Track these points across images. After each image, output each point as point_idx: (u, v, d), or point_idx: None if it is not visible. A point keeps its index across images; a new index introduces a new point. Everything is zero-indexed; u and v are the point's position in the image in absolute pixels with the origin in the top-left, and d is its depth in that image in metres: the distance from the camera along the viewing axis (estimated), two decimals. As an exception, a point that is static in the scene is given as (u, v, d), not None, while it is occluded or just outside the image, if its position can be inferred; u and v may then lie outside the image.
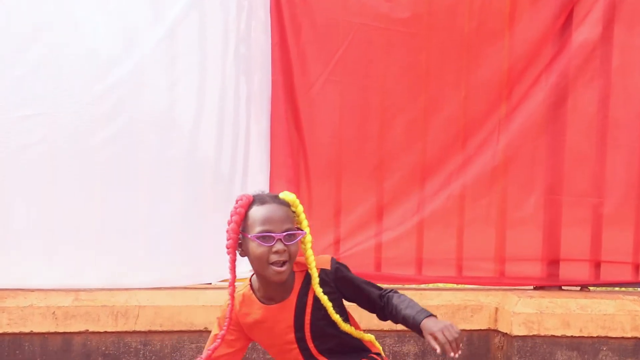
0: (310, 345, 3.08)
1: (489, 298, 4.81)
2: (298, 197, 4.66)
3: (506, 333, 4.69)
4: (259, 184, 4.74)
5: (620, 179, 5.09)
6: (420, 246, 4.95)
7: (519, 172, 5.04)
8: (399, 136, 4.94)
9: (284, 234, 2.89)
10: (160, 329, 4.41)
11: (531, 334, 4.65)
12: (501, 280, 5.01)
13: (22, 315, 4.28)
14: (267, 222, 2.89)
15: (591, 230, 5.05)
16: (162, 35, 4.61)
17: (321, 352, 3.10)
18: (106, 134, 4.51)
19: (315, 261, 3.02)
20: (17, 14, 4.46)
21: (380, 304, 3.09)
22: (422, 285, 5.00)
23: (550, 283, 5.05)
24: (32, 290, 4.42)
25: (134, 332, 4.41)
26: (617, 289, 5.23)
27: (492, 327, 4.77)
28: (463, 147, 4.98)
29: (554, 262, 5.04)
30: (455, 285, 5.09)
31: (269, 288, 3.02)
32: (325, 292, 3.01)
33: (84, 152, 4.48)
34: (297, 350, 3.08)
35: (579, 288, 5.11)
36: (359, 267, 4.61)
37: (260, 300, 3.06)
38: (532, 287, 5.07)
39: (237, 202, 2.96)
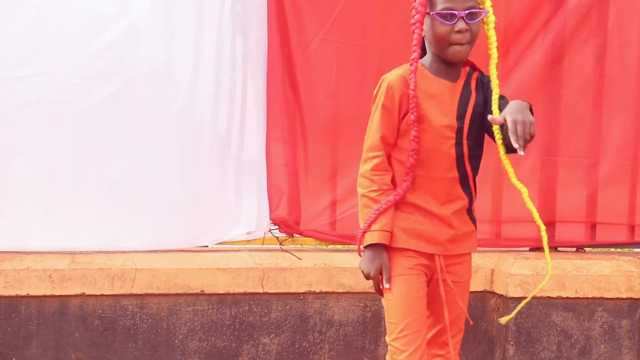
0: (464, 142, 3.02)
1: (485, 259, 4.81)
2: (294, 159, 4.71)
3: (502, 294, 4.70)
4: (256, 144, 4.72)
5: (616, 139, 5.09)
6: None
7: (515, 133, 5.01)
8: (396, 97, 4.90)
9: (467, 11, 2.85)
10: (156, 291, 4.40)
11: (527, 295, 4.66)
12: (497, 241, 5.01)
13: (18, 278, 4.26)
14: (449, 0, 2.85)
15: (587, 191, 5.05)
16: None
17: (470, 159, 3.05)
18: (104, 93, 4.45)
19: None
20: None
21: None
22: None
23: (546, 244, 5.05)
24: (29, 253, 4.38)
25: (131, 295, 4.39)
26: (612, 249, 5.25)
27: (488, 289, 4.78)
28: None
29: (549, 224, 5.03)
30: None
31: (444, 67, 2.98)
32: (478, 92, 3.04)
33: (82, 111, 4.42)
34: (453, 142, 3.00)
35: (574, 249, 5.13)
36: (356, 229, 4.56)
37: (432, 74, 3.00)
38: (528, 249, 5.08)
39: None
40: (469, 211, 3.15)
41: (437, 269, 3.06)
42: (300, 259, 4.56)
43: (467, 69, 3.04)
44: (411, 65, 2.91)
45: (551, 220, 5.03)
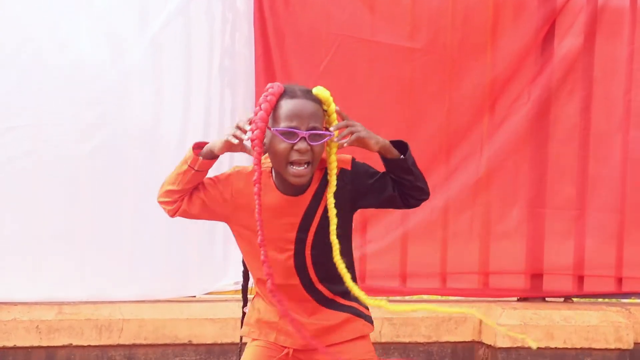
0: (308, 252, 2.80)
1: (473, 310, 4.80)
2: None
3: (490, 345, 4.70)
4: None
5: (602, 191, 5.12)
6: (404, 258, 4.95)
7: (502, 184, 5.06)
8: (382, 149, 4.94)
9: (309, 132, 2.63)
10: (144, 342, 4.40)
11: (515, 345, 4.67)
12: (485, 291, 5.02)
13: (5, 330, 4.26)
14: (293, 118, 2.63)
15: (574, 243, 5.07)
16: (147, 46, 4.60)
17: (315, 265, 2.82)
18: (91, 146, 4.50)
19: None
20: (1, 26, 4.45)
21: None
22: (407, 297, 5.00)
23: (533, 294, 5.06)
24: (16, 304, 4.39)
25: (118, 345, 4.39)
26: (600, 300, 5.25)
27: (477, 339, 4.78)
28: (447, 160, 5.00)
29: (537, 274, 5.05)
30: (439, 297, 5.10)
31: (286, 184, 2.73)
32: (338, 195, 2.73)
33: (69, 164, 4.47)
34: (292, 254, 2.79)
35: (562, 299, 5.13)
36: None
37: (276, 186, 2.76)
38: (516, 299, 5.09)
39: (267, 90, 2.68)
40: (330, 304, 2.88)
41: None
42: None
43: (322, 173, 2.78)
44: (254, 185, 2.63)
45: (539, 272, 5.05)
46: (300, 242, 2.80)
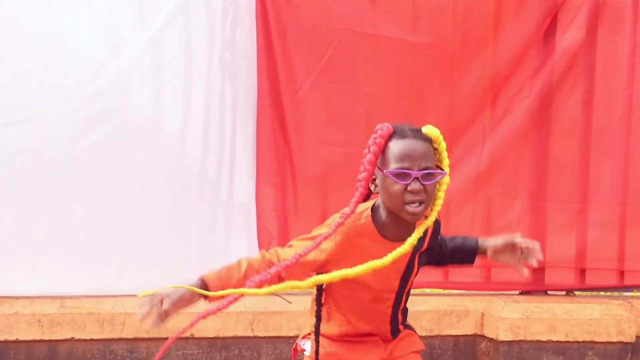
0: (403, 298, 2.87)
1: (475, 303, 4.82)
2: (284, 203, 4.73)
3: (492, 338, 4.70)
4: (246, 189, 4.74)
5: (604, 184, 5.12)
6: (406, 252, 4.95)
7: (504, 178, 5.06)
8: (384, 142, 4.94)
9: (422, 172, 2.61)
10: (146, 336, 4.39)
11: (517, 339, 4.66)
12: (487, 285, 5.03)
13: (7, 323, 4.26)
14: (405, 159, 2.62)
15: (576, 236, 5.07)
16: (148, 41, 4.60)
17: (402, 310, 2.93)
18: (92, 141, 4.50)
19: None
20: (2, 22, 4.45)
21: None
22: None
23: (536, 288, 5.07)
24: (18, 298, 4.39)
25: (120, 339, 4.39)
26: (602, 293, 5.26)
27: (479, 332, 4.78)
28: (448, 154, 4.93)
29: (539, 267, 5.04)
30: (441, 291, 5.11)
31: (397, 226, 2.73)
32: (431, 245, 2.85)
33: (70, 159, 4.47)
34: (391, 303, 2.85)
35: (564, 292, 5.13)
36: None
37: (380, 234, 2.74)
38: (518, 292, 5.09)
39: (376, 132, 2.68)
40: (397, 333, 2.98)
41: None
42: (290, 302, 4.55)
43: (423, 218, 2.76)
44: (341, 219, 2.66)
45: (540, 265, 5.04)
46: (401, 289, 2.85)
